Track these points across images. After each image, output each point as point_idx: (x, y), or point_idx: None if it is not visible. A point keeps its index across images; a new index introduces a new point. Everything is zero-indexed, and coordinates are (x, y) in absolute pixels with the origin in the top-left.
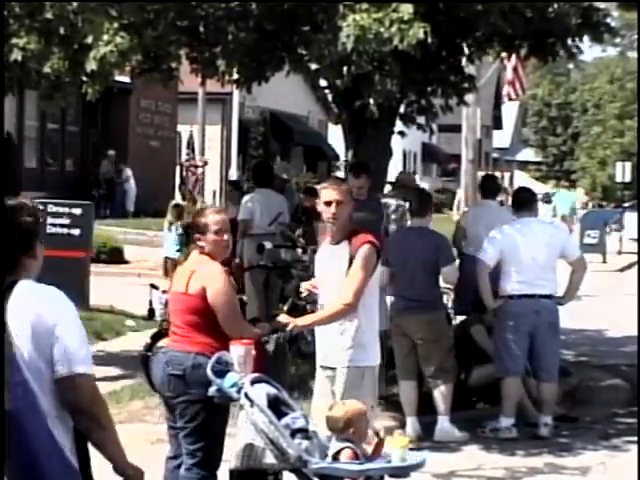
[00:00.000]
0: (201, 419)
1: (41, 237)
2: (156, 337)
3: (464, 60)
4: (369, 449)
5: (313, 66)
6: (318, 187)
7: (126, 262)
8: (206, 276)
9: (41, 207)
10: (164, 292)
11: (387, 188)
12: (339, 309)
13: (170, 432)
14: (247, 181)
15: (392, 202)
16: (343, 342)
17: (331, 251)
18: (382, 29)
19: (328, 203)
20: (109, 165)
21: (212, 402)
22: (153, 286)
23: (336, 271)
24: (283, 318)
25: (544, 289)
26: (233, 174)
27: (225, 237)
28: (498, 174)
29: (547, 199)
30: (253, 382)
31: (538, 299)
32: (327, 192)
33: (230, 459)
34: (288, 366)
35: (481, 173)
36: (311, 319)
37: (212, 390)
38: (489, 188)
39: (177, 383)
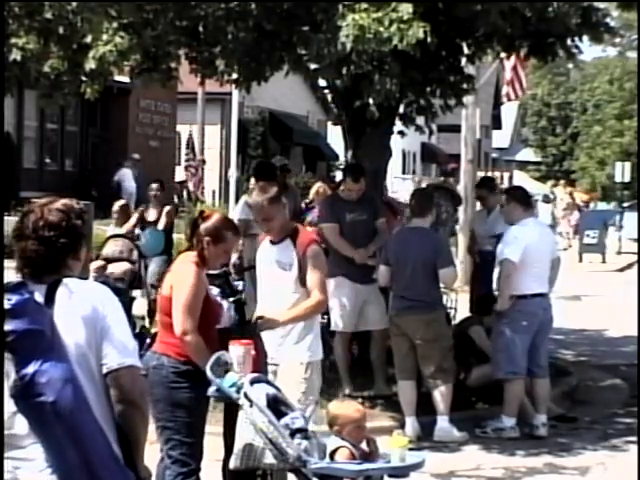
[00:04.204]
0: (165, 419)
1: (86, 238)
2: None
3: (464, 60)
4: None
5: (312, 66)
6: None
7: None
8: (176, 275)
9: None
10: None
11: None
12: (315, 305)
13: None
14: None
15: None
16: (289, 339)
17: (273, 250)
18: (381, 29)
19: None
20: (136, 171)
21: (176, 402)
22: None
23: (281, 269)
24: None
25: (547, 287)
26: (233, 174)
27: (230, 260)
28: (497, 174)
29: (546, 199)
30: (252, 382)
31: (545, 297)
32: (254, 203)
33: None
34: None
35: (480, 173)
36: (289, 316)
37: (211, 390)
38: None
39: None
